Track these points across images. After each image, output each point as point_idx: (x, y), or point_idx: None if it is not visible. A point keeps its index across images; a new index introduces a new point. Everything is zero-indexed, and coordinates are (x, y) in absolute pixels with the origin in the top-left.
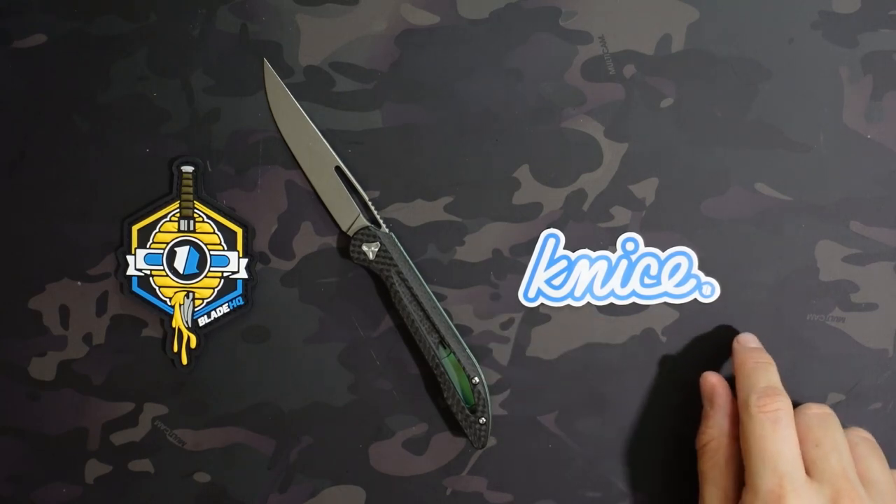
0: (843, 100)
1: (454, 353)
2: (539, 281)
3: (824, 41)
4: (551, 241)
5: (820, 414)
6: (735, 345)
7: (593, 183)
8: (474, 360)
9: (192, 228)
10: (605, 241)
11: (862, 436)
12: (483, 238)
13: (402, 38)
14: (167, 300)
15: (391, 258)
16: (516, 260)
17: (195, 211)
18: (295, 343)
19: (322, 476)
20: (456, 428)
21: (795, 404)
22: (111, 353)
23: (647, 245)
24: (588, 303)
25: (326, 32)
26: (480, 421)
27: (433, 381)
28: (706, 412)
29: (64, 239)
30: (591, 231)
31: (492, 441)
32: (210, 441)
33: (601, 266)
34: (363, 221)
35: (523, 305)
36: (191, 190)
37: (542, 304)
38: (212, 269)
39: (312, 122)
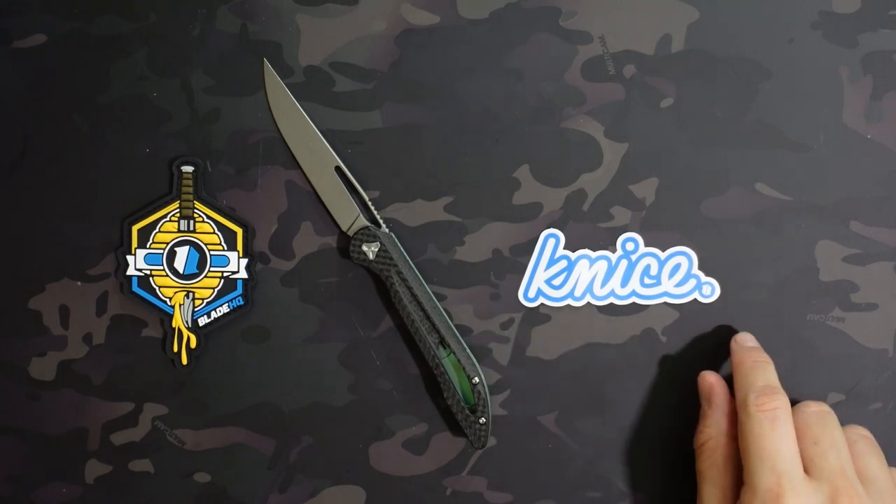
0: (843, 100)
1: (454, 353)
2: (539, 281)
3: (824, 41)
4: (551, 241)
5: (818, 412)
6: (733, 344)
7: (593, 183)
8: (474, 360)
9: (192, 228)
10: (605, 241)
11: (860, 433)
12: (483, 238)
13: (402, 38)
14: (167, 300)
15: (391, 258)
16: (516, 260)
17: (195, 211)
18: (295, 343)
19: (322, 476)
20: (456, 428)
21: (794, 402)
22: (111, 353)
23: (647, 245)
24: (588, 303)
25: (326, 32)
26: (480, 421)
27: (433, 381)
28: (704, 411)
29: (64, 239)
30: (591, 231)
31: (492, 441)
32: (210, 441)
33: (601, 266)
34: (363, 221)
35: (523, 305)
36: (191, 190)
37: (542, 304)
38: (212, 269)
39: (312, 122)
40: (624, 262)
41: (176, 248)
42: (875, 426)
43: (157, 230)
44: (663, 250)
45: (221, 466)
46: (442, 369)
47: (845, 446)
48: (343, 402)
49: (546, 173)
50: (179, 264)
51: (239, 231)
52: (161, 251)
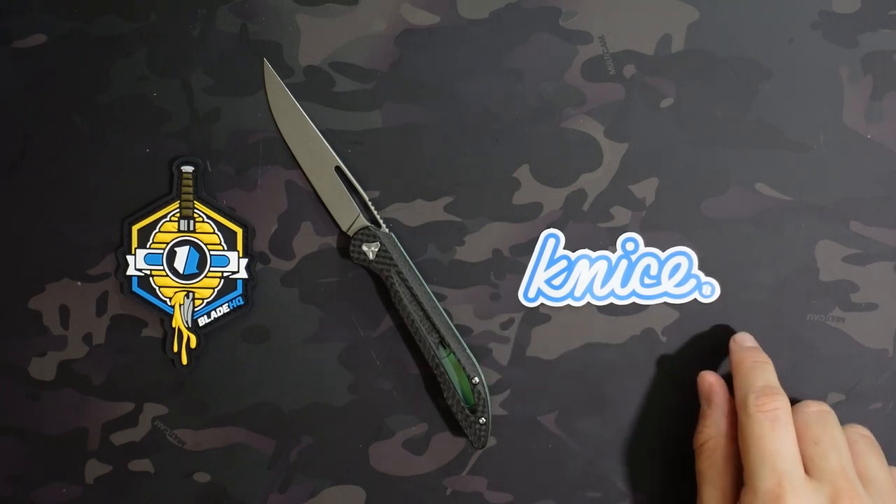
0: (843, 100)
1: (454, 353)
2: (539, 281)
3: (824, 41)
4: (551, 241)
5: (818, 411)
6: (732, 344)
7: (593, 183)
8: (474, 360)
9: (192, 228)
10: (605, 241)
11: (860, 433)
12: (483, 238)
13: (402, 38)
14: (167, 300)
15: (391, 258)
16: (516, 260)
17: (195, 211)
18: (295, 343)
19: (322, 476)
20: (456, 428)
21: (794, 402)
22: (111, 353)
23: (647, 245)
24: (588, 303)
25: (326, 32)
26: (480, 421)
27: (433, 381)
28: (703, 411)
29: (64, 239)
30: (591, 231)
31: (492, 441)
32: (210, 441)
33: (601, 266)
34: (363, 221)
35: (523, 305)
36: (191, 190)
37: (542, 304)
38: (212, 269)
39: (312, 122)
40: (624, 262)
41: (176, 248)
42: (875, 426)
43: (157, 230)
44: (663, 250)
45: (221, 466)
46: (442, 369)
47: (846, 446)
48: (343, 402)
49: (546, 173)
50: (179, 264)
51: (239, 231)
52: (161, 251)
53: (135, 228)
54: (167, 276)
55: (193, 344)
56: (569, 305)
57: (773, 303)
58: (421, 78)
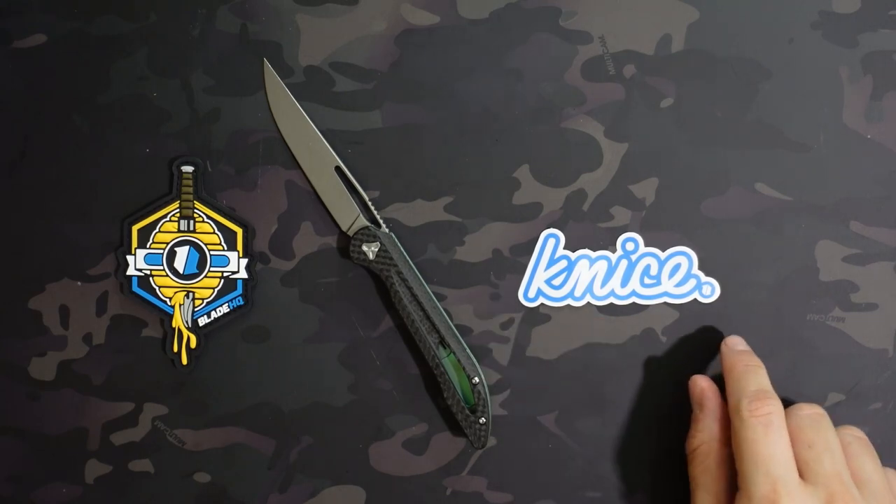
0: (843, 100)
1: (454, 353)
2: (539, 281)
3: (824, 41)
4: (551, 241)
5: (811, 414)
6: (723, 347)
7: (593, 183)
8: (474, 360)
9: (192, 228)
10: (605, 241)
11: (854, 434)
12: (483, 238)
13: (402, 38)
14: (167, 300)
15: (391, 258)
16: (516, 260)
17: (195, 211)
18: (295, 343)
19: (322, 476)
20: (456, 428)
21: (793, 403)
22: (111, 353)
23: (647, 245)
24: (588, 303)
25: (326, 32)
26: (480, 421)
27: (433, 381)
28: (695, 416)
29: (64, 239)
30: (591, 231)
31: (492, 441)
32: (210, 441)
33: (601, 266)
34: (363, 221)
35: (523, 305)
36: (191, 190)
37: (542, 304)
38: (212, 269)
39: (312, 122)
40: (624, 262)
41: (176, 248)
42: (875, 426)
43: (157, 230)
44: (663, 250)
45: (221, 466)
46: (442, 369)
47: (840, 449)
48: (343, 402)
49: (546, 173)
50: (179, 264)
51: (239, 231)
52: (161, 251)
53: (135, 228)
54: (167, 276)
55: (193, 344)
56: (569, 305)
57: (773, 303)
58: (421, 78)
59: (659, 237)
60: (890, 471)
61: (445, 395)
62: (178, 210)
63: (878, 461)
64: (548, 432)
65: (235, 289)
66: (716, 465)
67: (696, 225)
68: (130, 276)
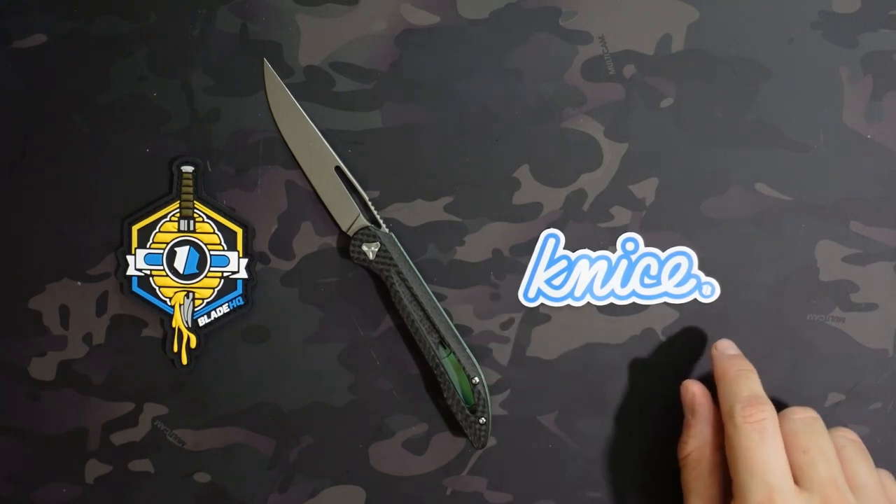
0: (843, 100)
1: (454, 353)
2: (539, 281)
3: (824, 41)
4: (551, 241)
5: (805, 419)
6: (714, 352)
7: (593, 183)
8: (474, 360)
9: (192, 228)
10: (605, 241)
11: (848, 437)
12: (483, 238)
13: (402, 38)
14: (167, 300)
15: (391, 258)
16: (516, 260)
17: (195, 211)
18: (295, 343)
19: (322, 476)
20: (456, 428)
21: (792, 404)
22: (111, 353)
23: (647, 245)
24: (588, 303)
25: (326, 32)
26: (480, 421)
27: (433, 381)
28: (687, 422)
29: (64, 239)
30: (591, 231)
31: (492, 441)
32: (210, 441)
33: (601, 266)
34: (363, 221)
35: (523, 305)
36: (191, 190)
37: (542, 304)
38: (212, 269)
39: (312, 122)
40: (624, 262)
41: (176, 248)
42: (875, 426)
43: (157, 230)
44: (663, 250)
45: (221, 466)
46: (442, 369)
47: (834, 454)
48: (343, 402)
49: (546, 173)
50: (179, 264)
51: (239, 231)
52: (161, 251)
53: (135, 228)
54: (167, 276)
55: (193, 344)
56: (569, 305)
57: (773, 303)
58: (421, 78)
59: (659, 237)
60: (883, 472)
61: (445, 395)
62: (178, 210)
63: (872, 464)
64: (548, 432)
65: (235, 289)
66: (708, 471)
67: (696, 225)
68: (130, 276)
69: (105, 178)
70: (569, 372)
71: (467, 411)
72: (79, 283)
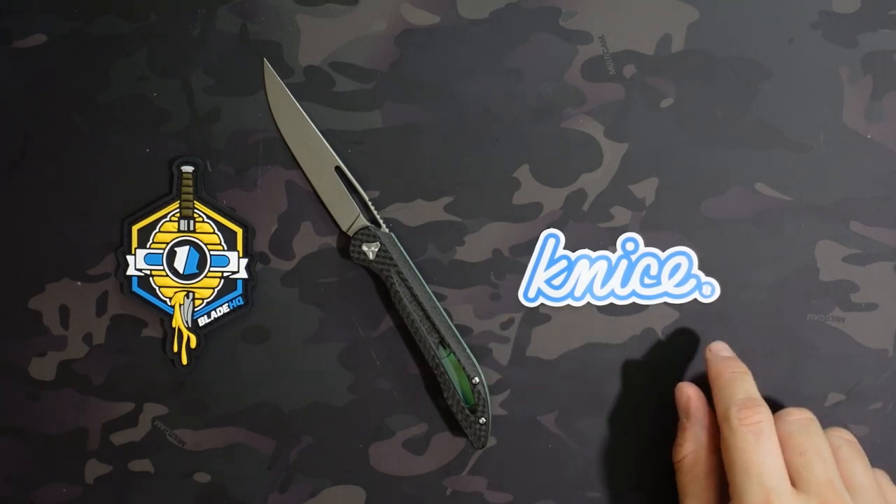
0: (843, 100)
1: (454, 353)
2: (539, 281)
3: (824, 41)
4: (551, 241)
5: (801, 420)
6: (707, 354)
7: (593, 183)
8: (474, 360)
9: (192, 228)
10: (605, 241)
11: (844, 437)
12: (483, 238)
13: (402, 38)
14: (167, 300)
15: (391, 258)
16: (516, 260)
17: (195, 211)
18: (295, 343)
19: (322, 476)
20: (456, 428)
21: (777, 408)
22: (111, 353)
23: (647, 245)
24: (588, 303)
25: (326, 32)
26: (480, 421)
27: (433, 381)
28: (682, 425)
29: (64, 239)
30: (591, 231)
31: (492, 441)
32: (210, 441)
33: (601, 266)
34: (363, 221)
35: (523, 305)
36: (191, 190)
37: (542, 304)
38: (212, 269)
39: (312, 122)
40: (624, 262)
41: (176, 248)
42: (875, 426)
43: (157, 230)
44: (663, 250)
45: (221, 466)
46: (442, 369)
47: (831, 455)
48: (343, 402)
49: (546, 173)
50: (179, 264)
51: (239, 231)
52: (161, 251)
53: (135, 228)
54: (167, 276)
55: (193, 344)
56: (569, 305)
57: (773, 303)
58: (421, 78)
59: (659, 237)
60: (879, 472)
61: (445, 395)
62: (178, 210)
63: (868, 464)
64: (548, 432)
65: (235, 289)
66: (704, 473)
67: (696, 225)
68: (130, 276)
69: (105, 178)
70: (569, 372)
71: (467, 411)
72: (79, 283)
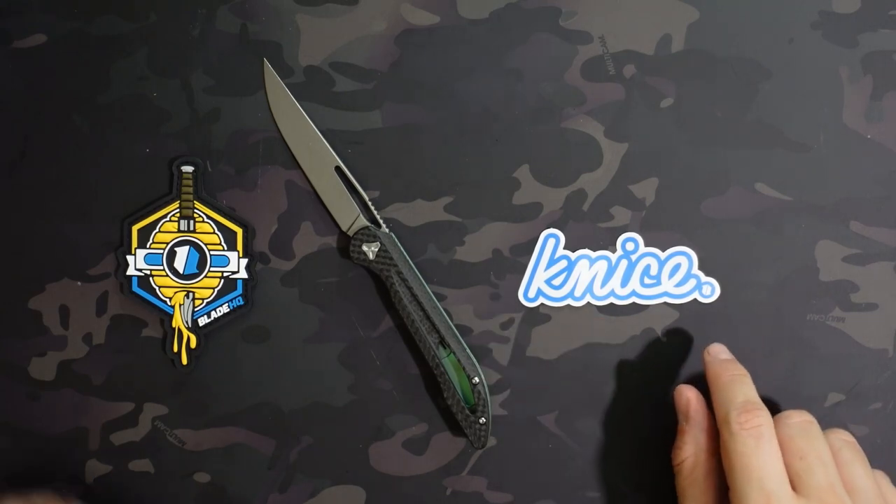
0: (843, 100)
1: (454, 353)
2: (539, 281)
3: (824, 41)
4: (551, 241)
5: (801, 423)
6: (706, 356)
7: (593, 183)
8: (474, 360)
9: (192, 228)
10: (605, 241)
11: (844, 439)
12: (483, 238)
13: (402, 38)
14: (167, 300)
15: (391, 258)
16: (516, 260)
17: (195, 211)
18: (295, 343)
19: (322, 476)
20: (456, 428)
21: (778, 408)
22: (111, 353)
23: (647, 245)
24: (588, 303)
25: (326, 32)
26: (480, 421)
27: (433, 381)
28: (681, 427)
29: (64, 239)
30: (591, 231)
31: (492, 441)
32: (210, 441)
33: (601, 266)
34: (363, 221)
35: (523, 305)
36: (191, 190)
37: (542, 304)
38: (212, 269)
39: (312, 122)
40: (624, 262)
41: (176, 248)
42: (875, 426)
43: (157, 230)
44: (663, 250)
45: (221, 466)
46: (442, 369)
47: (831, 458)
48: (343, 402)
49: (546, 173)
50: (179, 264)
51: (239, 231)
52: (161, 251)
53: (135, 228)
54: (167, 276)
55: (193, 344)
56: (569, 305)
57: (773, 303)
58: (421, 78)
59: (659, 237)
60: (879, 473)
61: (445, 395)
62: (178, 210)
63: (868, 466)
64: (548, 432)
65: (235, 289)
66: (703, 477)
67: (696, 225)
68: (130, 276)
69: (105, 178)
70: (569, 372)
71: (467, 411)
72: (79, 283)
